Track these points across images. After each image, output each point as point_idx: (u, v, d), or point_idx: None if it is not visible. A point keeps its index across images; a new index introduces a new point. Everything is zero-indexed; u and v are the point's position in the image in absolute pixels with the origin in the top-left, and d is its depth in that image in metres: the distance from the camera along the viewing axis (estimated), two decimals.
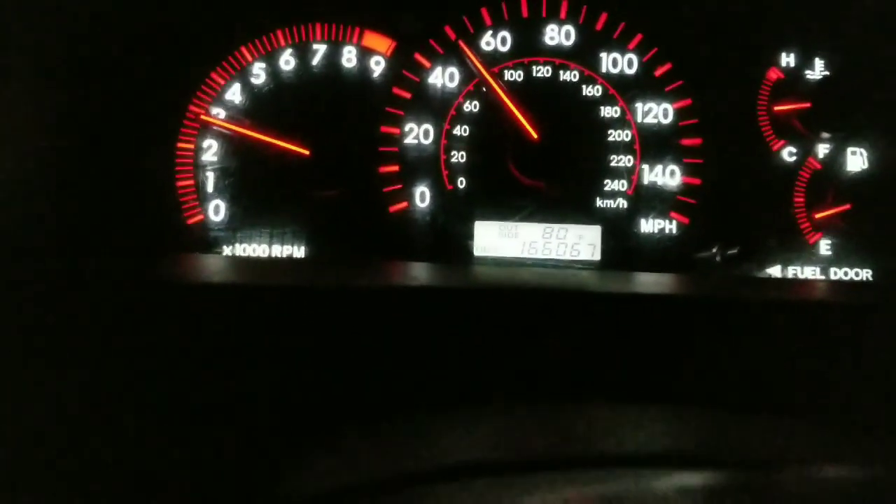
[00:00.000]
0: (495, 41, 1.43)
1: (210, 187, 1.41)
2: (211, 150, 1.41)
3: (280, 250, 1.41)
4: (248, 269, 1.25)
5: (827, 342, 0.97)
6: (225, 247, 1.40)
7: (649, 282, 1.23)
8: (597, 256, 1.40)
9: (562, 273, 1.30)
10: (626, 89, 1.42)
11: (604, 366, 0.93)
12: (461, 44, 1.41)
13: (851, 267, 1.43)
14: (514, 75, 1.42)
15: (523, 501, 0.50)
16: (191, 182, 1.40)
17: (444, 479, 0.62)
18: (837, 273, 1.43)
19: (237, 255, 1.40)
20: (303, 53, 1.42)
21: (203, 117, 1.40)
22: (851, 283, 1.41)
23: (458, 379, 0.91)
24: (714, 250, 1.34)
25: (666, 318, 0.98)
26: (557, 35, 1.42)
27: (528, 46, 1.42)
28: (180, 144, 1.40)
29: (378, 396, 0.89)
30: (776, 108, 1.43)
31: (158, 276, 1.07)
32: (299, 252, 1.41)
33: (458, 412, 0.79)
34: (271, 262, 1.36)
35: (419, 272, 1.24)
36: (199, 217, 1.40)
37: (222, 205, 1.41)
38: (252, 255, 1.40)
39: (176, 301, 0.93)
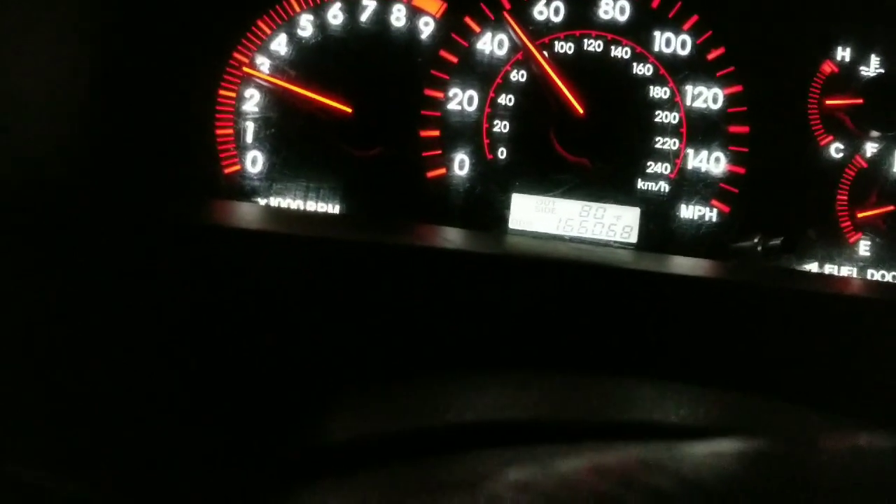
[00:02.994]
0: (548, 10, 1.40)
1: (249, 137, 1.39)
2: (252, 100, 1.39)
3: (315, 205, 1.39)
4: (283, 219, 1.24)
5: (864, 338, 0.95)
6: (260, 198, 1.39)
7: (689, 265, 1.22)
8: (633, 239, 1.38)
9: (599, 250, 1.28)
10: (678, 71, 1.39)
11: (636, 342, 0.92)
12: (505, 14, 1.38)
13: (889, 270, 1.41)
14: (564, 47, 1.40)
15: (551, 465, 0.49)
16: (230, 131, 1.39)
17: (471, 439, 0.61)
18: (875, 275, 1.40)
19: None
20: (352, 8, 1.40)
21: (246, 68, 1.39)
22: (890, 283, 1.39)
23: (485, 344, 0.90)
24: (756, 240, 1.32)
25: (705, 301, 0.96)
26: (612, 9, 1.40)
27: (581, 18, 1.39)
28: (222, 92, 1.39)
29: (401, 355, 0.88)
30: (827, 103, 1.40)
31: (190, 219, 1.06)
32: (334, 209, 1.40)
33: (483, 376, 0.79)
34: (306, 215, 1.35)
35: (456, 237, 1.23)
36: (237, 167, 1.39)
37: (260, 156, 1.39)
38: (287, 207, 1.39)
39: (206, 246, 0.92)
